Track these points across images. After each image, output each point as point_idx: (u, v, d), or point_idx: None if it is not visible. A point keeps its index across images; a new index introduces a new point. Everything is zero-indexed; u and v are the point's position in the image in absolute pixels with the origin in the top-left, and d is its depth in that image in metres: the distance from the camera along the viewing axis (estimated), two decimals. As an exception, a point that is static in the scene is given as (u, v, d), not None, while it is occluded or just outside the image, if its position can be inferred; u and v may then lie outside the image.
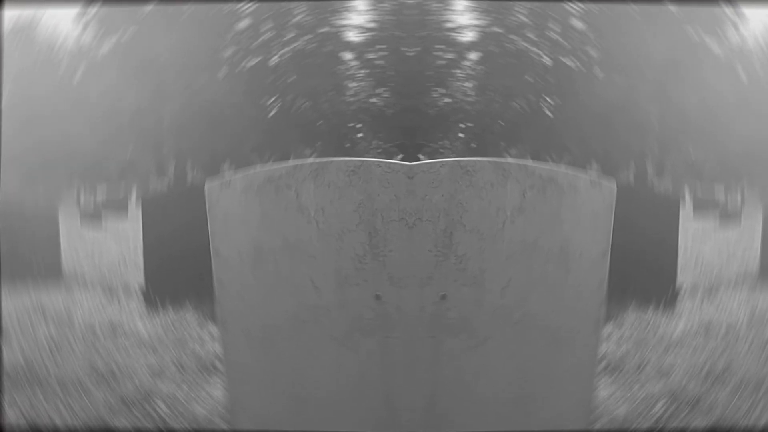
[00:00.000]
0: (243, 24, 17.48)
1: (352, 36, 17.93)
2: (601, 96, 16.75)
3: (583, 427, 4.12)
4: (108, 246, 12.95)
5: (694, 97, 16.45)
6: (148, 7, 16.94)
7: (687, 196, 17.96)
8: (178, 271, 8.31)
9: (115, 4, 16.88)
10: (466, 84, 17.80)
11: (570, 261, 3.95)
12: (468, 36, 17.27)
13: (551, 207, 3.90)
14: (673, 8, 15.70)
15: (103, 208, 16.30)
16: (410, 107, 17.28)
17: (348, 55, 18.13)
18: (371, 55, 17.94)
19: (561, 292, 3.97)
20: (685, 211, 16.82)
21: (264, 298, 3.98)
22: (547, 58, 17.25)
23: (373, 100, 17.92)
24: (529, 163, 3.99)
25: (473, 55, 17.55)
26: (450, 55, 17.44)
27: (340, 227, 3.92)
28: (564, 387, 4.06)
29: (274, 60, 17.84)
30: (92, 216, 15.84)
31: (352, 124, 18.59)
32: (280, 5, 17.42)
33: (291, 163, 4.00)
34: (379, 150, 18.22)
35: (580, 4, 16.48)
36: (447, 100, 17.86)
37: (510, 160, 4.06)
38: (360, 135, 18.70)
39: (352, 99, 18.37)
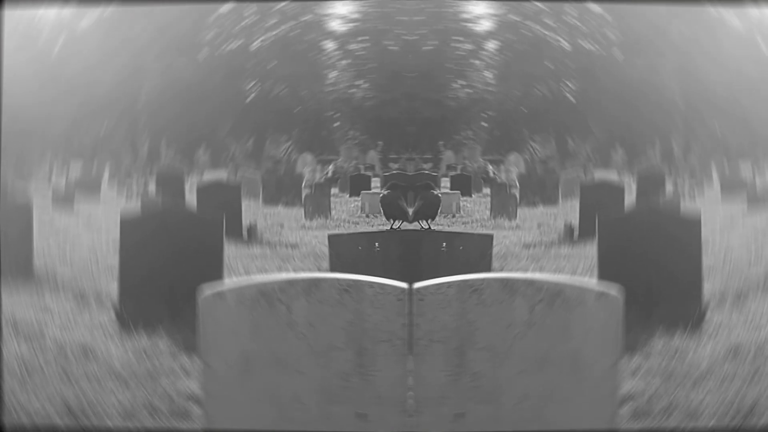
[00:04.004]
0: (226, 7, 17.33)
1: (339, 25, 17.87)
2: (623, 78, 16.77)
3: None
4: (79, 237, 12.91)
5: (716, 72, 16.37)
6: (132, -16, 16.77)
7: (714, 176, 17.84)
8: (152, 292, 8.31)
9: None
10: (486, 73, 17.84)
11: (582, 371, 4.07)
12: (485, 26, 17.28)
13: (560, 319, 4.04)
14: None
15: (76, 188, 16.19)
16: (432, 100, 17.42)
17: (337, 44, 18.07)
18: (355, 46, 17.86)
19: (576, 402, 4.10)
20: (712, 194, 16.67)
21: (249, 410, 4.03)
22: (566, 43, 17.25)
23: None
24: (536, 276, 4.08)
25: (491, 45, 17.56)
26: (468, 46, 17.48)
27: (329, 344, 3.98)
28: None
29: (256, 45, 17.73)
30: (64, 198, 15.75)
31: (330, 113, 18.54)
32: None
33: (284, 276, 4.04)
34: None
35: None
36: (468, 90, 17.92)
37: (517, 275, 4.19)
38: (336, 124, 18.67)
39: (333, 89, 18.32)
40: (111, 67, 16.82)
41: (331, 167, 17.46)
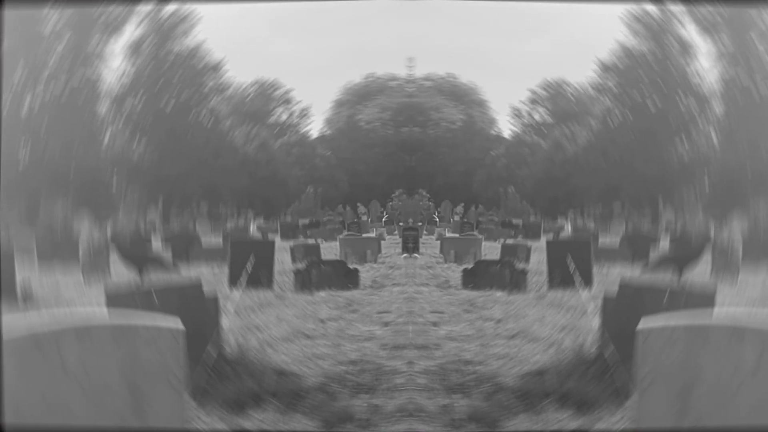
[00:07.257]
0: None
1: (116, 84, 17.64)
2: None
3: None
4: None
5: None
6: None
7: None
8: None
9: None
10: (710, 133, 17.60)
11: (811, 424, 4.02)
12: (711, 85, 17.13)
13: None
14: None
15: None
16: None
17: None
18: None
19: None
20: None
21: (23, 459, 3.96)
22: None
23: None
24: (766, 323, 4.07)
25: (716, 105, 17.42)
26: (693, 105, 17.35)
27: (104, 387, 3.96)
28: None
29: (25, 106, 17.27)
30: None
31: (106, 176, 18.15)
32: (35, 52, 16.93)
33: (56, 319, 4.00)
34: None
35: None
36: (691, 149, 17.72)
37: (746, 319, 4.11)
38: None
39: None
40: None
41: (109, 226, 17.15)
